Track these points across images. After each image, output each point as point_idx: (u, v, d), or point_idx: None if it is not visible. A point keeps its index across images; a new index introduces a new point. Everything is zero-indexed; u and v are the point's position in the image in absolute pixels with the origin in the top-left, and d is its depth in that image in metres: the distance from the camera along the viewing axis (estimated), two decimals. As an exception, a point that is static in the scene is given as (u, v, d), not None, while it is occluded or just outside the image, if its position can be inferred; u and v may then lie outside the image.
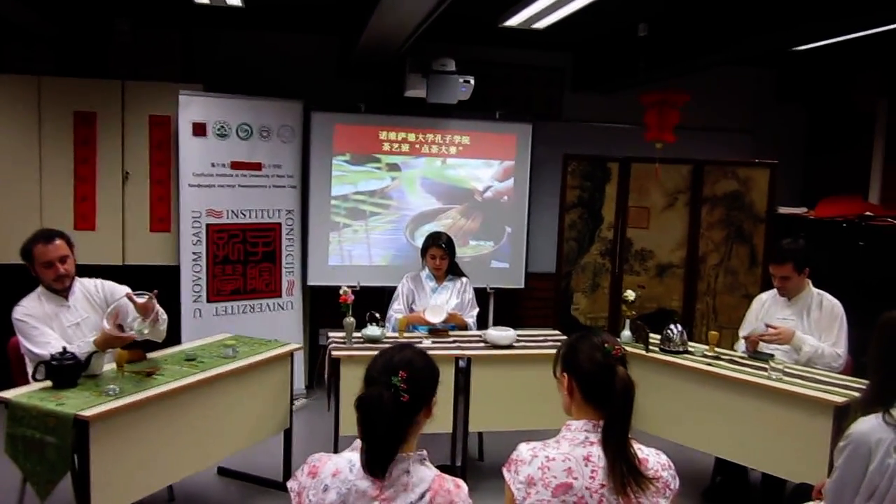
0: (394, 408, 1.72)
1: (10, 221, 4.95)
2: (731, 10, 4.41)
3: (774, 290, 4.04)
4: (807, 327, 3.89)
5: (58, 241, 3.35)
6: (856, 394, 3.26)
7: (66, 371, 3.02)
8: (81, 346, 3.21)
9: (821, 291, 3.93)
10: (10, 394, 2.92)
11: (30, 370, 3.21)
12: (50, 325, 3.32)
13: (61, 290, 3.41)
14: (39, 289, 3.40)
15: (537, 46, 6.17)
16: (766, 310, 4.07)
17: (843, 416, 3.13)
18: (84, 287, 3.51)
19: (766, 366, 3.59)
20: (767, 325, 3.86)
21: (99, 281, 3.59)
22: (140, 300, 3.18)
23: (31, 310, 3.31)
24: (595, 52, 6.03)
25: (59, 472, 2.79)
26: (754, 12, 4.23)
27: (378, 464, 1.72)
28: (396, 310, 4.60)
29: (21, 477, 2.98)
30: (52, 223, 4.86)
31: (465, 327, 4.56)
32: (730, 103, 6.59)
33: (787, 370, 3.56)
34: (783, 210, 5.86)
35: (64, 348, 3.10)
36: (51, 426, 2.76)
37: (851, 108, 6.23)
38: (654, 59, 5.08)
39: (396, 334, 4.25)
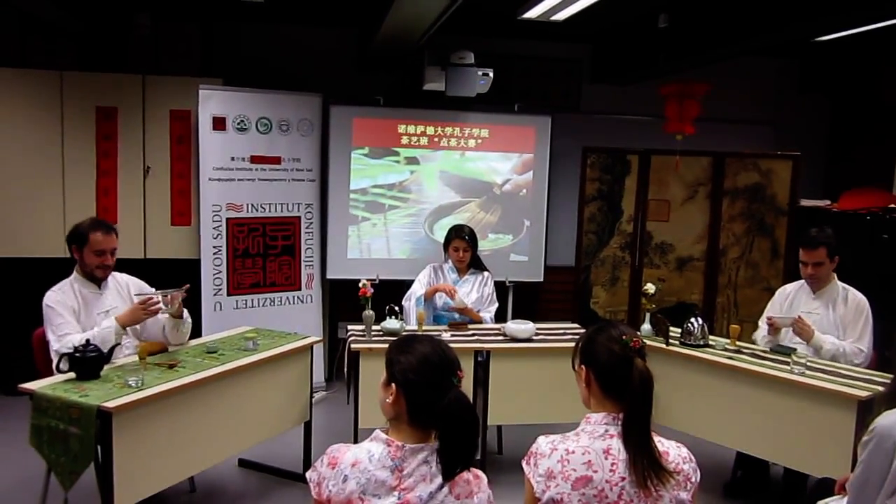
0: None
1: (33, 215, 5.02)
2: (752, 0, 4.36)
3: (800, 283, 3.99)
4: (832, 321, 3.84)
5: (114, 235, 3.52)
6: (879, 388, 3.23)
7: (89, 363, 3.05)
8: (105, 325, 3.35)
9: (846, 286, 3.87)
10: (34, 385, 2.96)
11: (54, 359, 3.27)
12: (79, 313, 3.41)
13: (98, 279, 3.52)
14: (73, 276, 3.50)
15: (556, 38, 6.14)
16: (790, 302, 4.02)
17: (866, 410, 3.09)
18: (116, 280, 3.63)
19: (789, 360, 3.56)
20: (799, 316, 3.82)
21: (129, 276, 3.71)
22: (173, 293, 3.47)
23: (61, 297, 3.40)
24: (614, 43, 5.99)
25: (83, 462, 2.82)
26: (776, 2, 4.18)
27: (465, 466, 1.74)
28: (418, 289, 4.58)
29: (46, 467, 3.03)
30: (74, 217, 4.89)
31: (479, 322, 4.55)
32: (751, 94, 6.53)
33: (809, 364, 3.53)
34: (805, 202, 5.79)
35: (87, 340, 3.14)
36: (74, 417, 2.80)
37: (876, 99, 6.14)
38: (674, 50, 5.04)
39: (416, 327, 4.25)
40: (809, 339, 3.77)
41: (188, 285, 3.57)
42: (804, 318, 3.80)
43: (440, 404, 1.70)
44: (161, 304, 3.45)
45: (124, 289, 3.64)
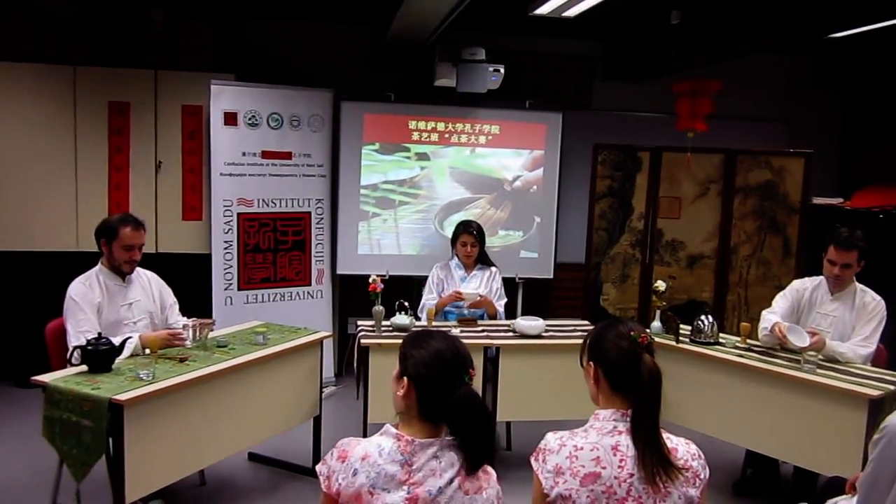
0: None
1: (46, 209, 5.06)
2: (766, -3, 4.34)
3: (817, 280, 3.93)
4: (848, 322, 3.80)
5: (142, 231, 3.60)
6: (891, 387, 3.22)
7: (102, 356, 3.08)
8: (127, 334, 3.39)
9: (864, 288, 3.82)
10: (47, 377, 2.99)
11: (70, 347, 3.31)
12: (102, 305, 3.47)
13: (124, 273, 3.58)
14: (98, 267, 3.56)
15: (567, 35, 6.12)
16: (808, 300, 3.96)
17: (877, 409, 3.08)
18: (139, 275, 3.70)
19: (799, 358, 3.54)
20: (809, 332, 3.75)
21: (150, 272, 3.79)
22: (202, 323, 3.60)
23: (86, 291, 3.45)
24: (626, 40, 5.97)
25: (95, 454, 2.85)
26: (790, -2, 4.15)
27: (488, 459, 1.76)
28: (429, 297, 4.61)
29: (58, 459, 3.05)
30: (87, 211, 4.98)
31: (494, 314, 4.56)
32: (764, 91, 6.50)
33: (820, 362, 3.51)
34: (818, 200, 5.76)
35: (99, 334, 3.16)
36: (86, 410, 2.82)
37: (890, 96, 6.10)
38: (686, 46, 5.01)
39: (425, 323, 4.26)
40: (821, 351, 3.71)
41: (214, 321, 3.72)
42: (815, 333, 3.69)
43: (450, 401, 1.71)
44: (188, 340, 3.53)
45: (146, 284, 3.71)
